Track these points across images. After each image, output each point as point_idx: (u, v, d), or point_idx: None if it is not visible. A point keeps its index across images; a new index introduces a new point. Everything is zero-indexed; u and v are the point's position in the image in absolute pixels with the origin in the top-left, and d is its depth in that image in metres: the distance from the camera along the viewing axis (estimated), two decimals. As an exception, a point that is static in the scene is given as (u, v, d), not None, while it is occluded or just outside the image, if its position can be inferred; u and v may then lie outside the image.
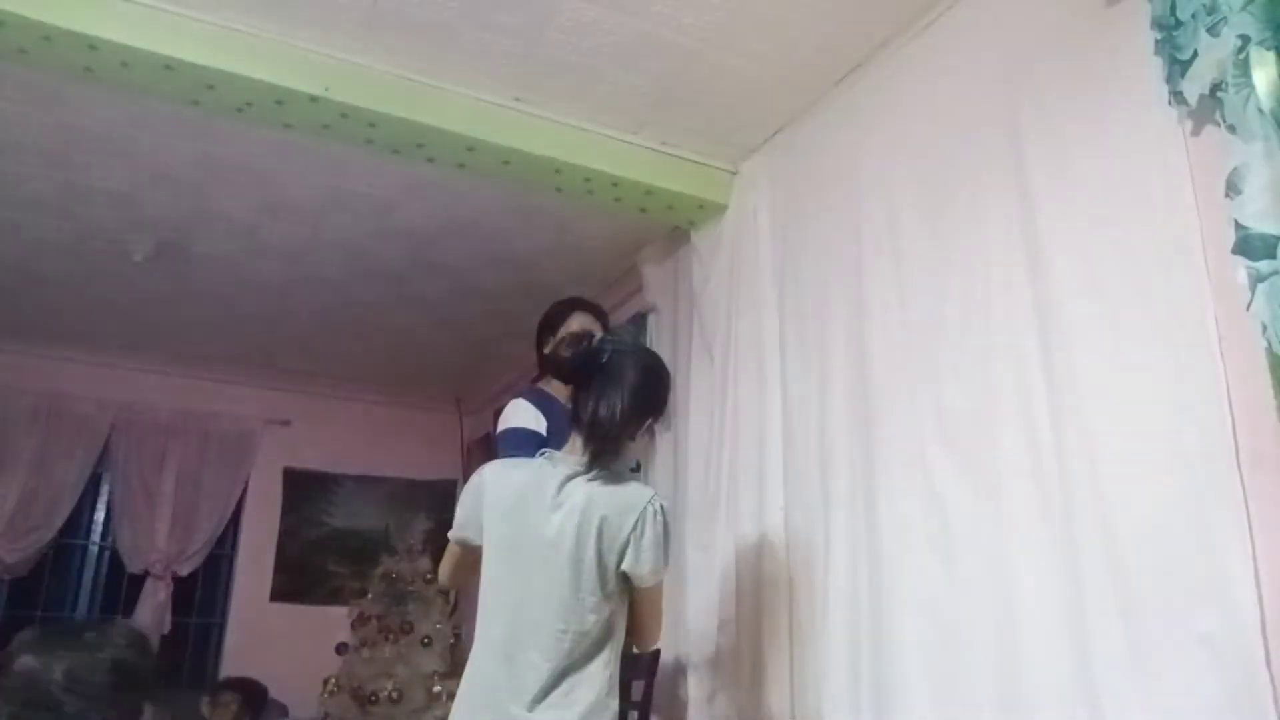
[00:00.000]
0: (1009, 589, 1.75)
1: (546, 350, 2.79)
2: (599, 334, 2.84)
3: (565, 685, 1.66)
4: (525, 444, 2.51)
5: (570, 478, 1.75)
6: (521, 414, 2.56)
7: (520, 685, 1.65)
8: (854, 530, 2.17)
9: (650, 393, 1.86)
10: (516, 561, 1.74)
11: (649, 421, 1.89)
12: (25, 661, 1.36)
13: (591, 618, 1.69)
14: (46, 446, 4.57)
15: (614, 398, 1.79)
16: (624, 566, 1.71)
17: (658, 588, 1.80)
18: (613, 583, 1.72)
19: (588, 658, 1.69)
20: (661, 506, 1.76)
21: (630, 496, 1.75)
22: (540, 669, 1.65)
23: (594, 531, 1.70)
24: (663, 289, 3.40)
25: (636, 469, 3.32)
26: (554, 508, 1.73)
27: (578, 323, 2.84)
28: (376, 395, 5.34)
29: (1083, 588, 1.60)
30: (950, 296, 2.03)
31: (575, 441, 1.81)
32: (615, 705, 1.71)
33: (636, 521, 1.71)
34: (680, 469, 2.98)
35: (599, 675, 1.69)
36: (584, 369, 1.85)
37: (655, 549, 1.73)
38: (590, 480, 1.74)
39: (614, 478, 1.77)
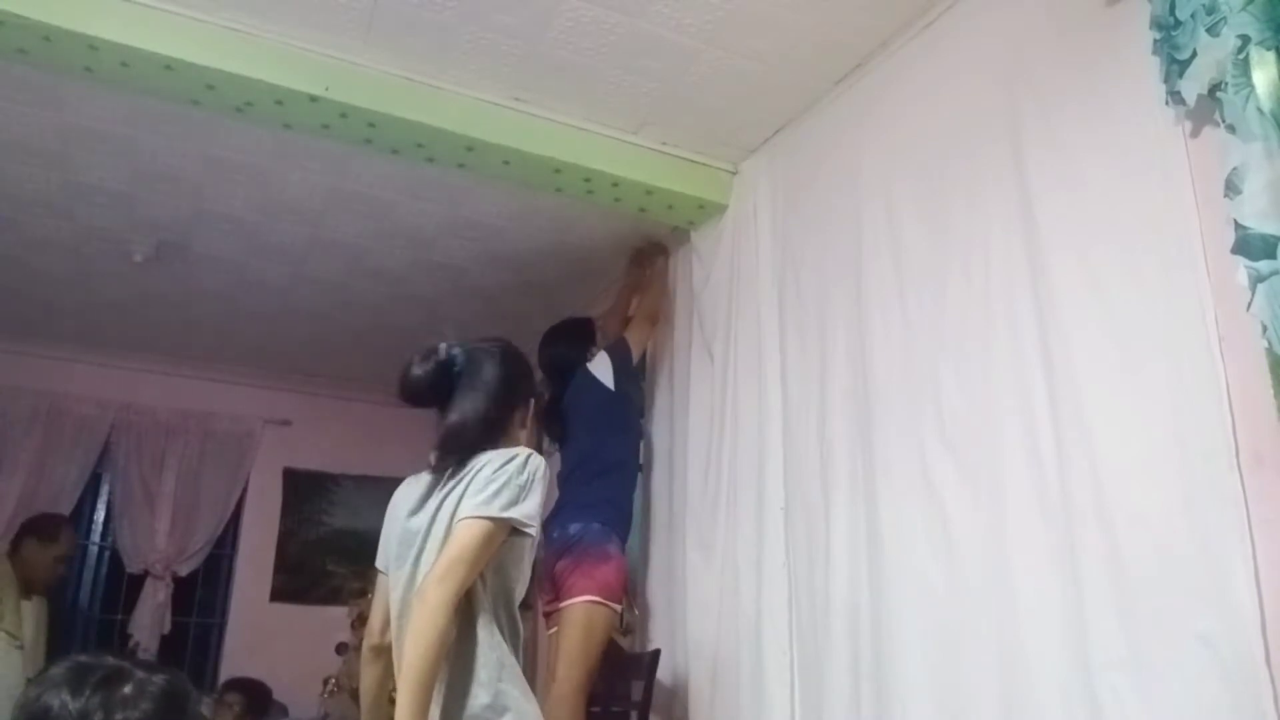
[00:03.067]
0: (1009, 589, 1.75)
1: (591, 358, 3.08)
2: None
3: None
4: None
5: (444, 479, 1.73)
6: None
7: None
8: (854, 530, 2.17)
9: (517, 379, 1.84)
10: (401, 581, 1.75)
11: (525, 407, 1.85)
12: (46, 699, 1.31)
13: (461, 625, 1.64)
14: (46, 446, 4.56)
15: (477, 399, 1.76)
16: (459, 509, 1.63)
17: (468, 527, 1.60)
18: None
19: (460, 659, 1.61)
20: (512, 457, 1.67)
21: (487, 456, 1.70)
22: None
23: (448, 520, 1.67)
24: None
25: (638, 469, 3.32)
26: (428, 514, 1.73)
27: (598, 329, 3.24)
28: (376, 395, 5.31)
29: (1083, 587, 1.61)
30: (950, 295, 2.03)
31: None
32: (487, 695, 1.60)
33: (483, 466, 1.66)
34: (680, 469, 2.98)
35: (470, 671, 1.61)
36: (441, 382, 1.80)
37: (492, 490, 1.62)
38: (457, 472, 1.71)
39: (483, 455, 1.72)
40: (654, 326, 3.24)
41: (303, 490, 5.18)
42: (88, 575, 4.80)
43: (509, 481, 1.64)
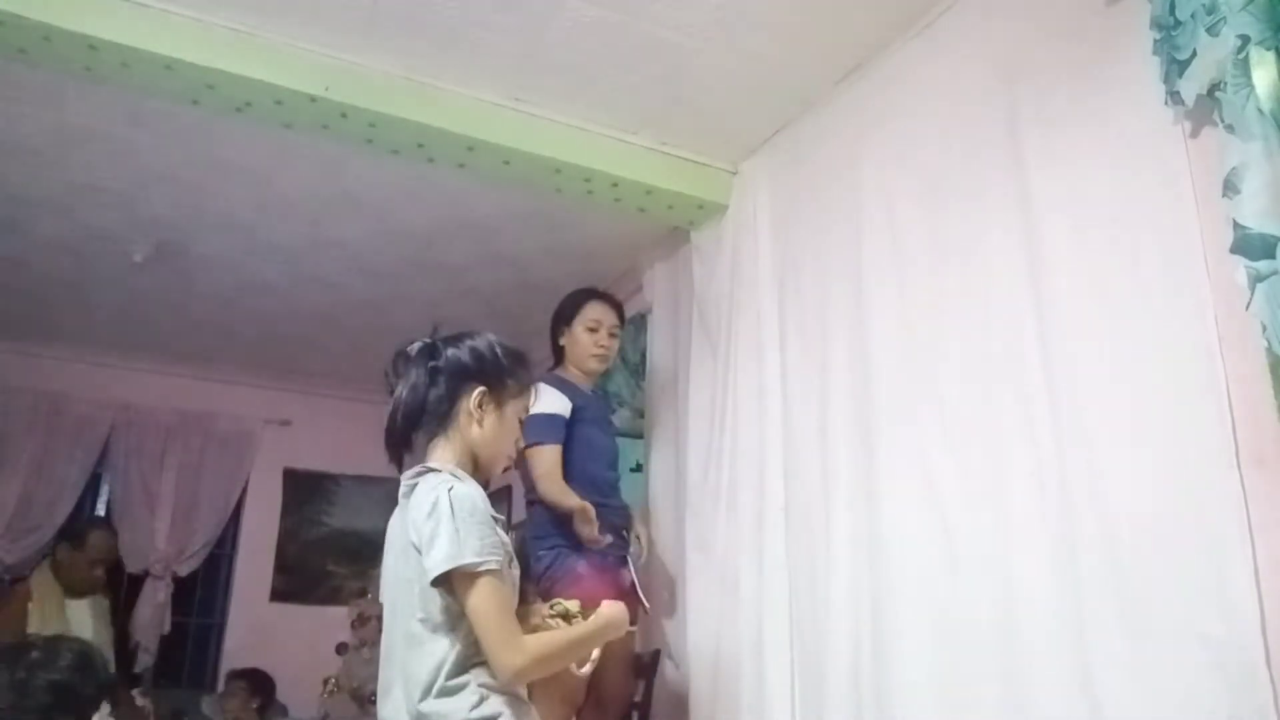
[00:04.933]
0: (1009, 589, 1.75)
1: (562, 341, 2.83)
2: (613, 323, 2.88)
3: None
4: (549, 428, 2.57)
5: (402, 501, 1.72)
6: (543, 399, 2.58)
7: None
8: (854, 530, 2.17)
9: (454, 367, 1.78)
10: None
11: (491, 393, 1.78)
12: None
13: (434, 647, 1.59)
14: (46, 446, 4.56)
15: (394, 403, 1.78)
16: (424, 561, 1.59)
17: (466, 594, 1.57)
18: (429, 592, 1.60)
19: (432, 673, 1.58)
20: (448, 491, 1.60)
21: (422, 490, 1.66)
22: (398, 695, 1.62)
23: (402, 550, 1.66)
24: (663, 289, 3.40)
25: (637, 469, 3.32)
26: (389, 538, 1.75)
27: (594, 312, 2.88)
28: (376, 395, 5.29)
29: (1082, 588, 1.61)
30: (950, 295, 2.04)
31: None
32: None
33: (429, 512, 1.60)
34: (680, 468, 2.98)
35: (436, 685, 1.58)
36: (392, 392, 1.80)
37: (435, 536, 1.57)
38: (407, 496, 1.69)
39: (424, 480, 1.69)
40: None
41: (303, 490, 5.19)
42: (87, 575, 4.80)
43: (437, 528, 1.59)
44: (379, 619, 4.70)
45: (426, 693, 1.57)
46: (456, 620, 1.59)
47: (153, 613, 4.57)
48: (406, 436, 1.75)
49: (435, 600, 1.59)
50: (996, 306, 1.91)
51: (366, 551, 5.00)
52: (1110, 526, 1.58)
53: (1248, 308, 1.37)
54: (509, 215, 3.32)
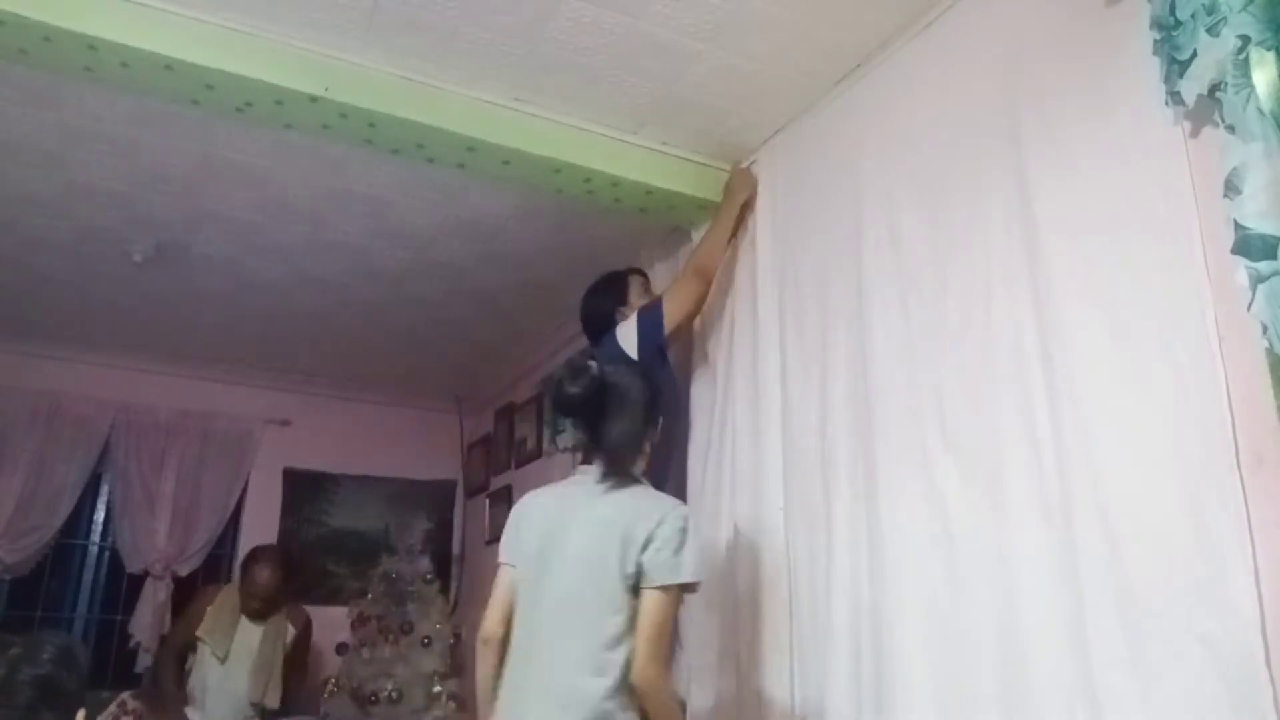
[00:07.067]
0: (1010, 588, 1.76)
1: (625, 319, 2.88)
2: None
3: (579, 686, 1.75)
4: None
5: (597, 493, 1.89)
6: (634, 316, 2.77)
7: (543, 687, 1.79)
8: (854, 530, 2.17)
9: (653, 401, 1.99)
10: (543, 579, 1.87)
11: (655, 428, 2.03)
12: None
13: (613, 620, 1.78)
14: (46, 446, 4.56)
15: (626, 419, 1.93)
16: (641, 558, 1.79)
17: (661, 600, 1.80)
18: (628, 590, 1.80)
19: (606, 661, 1.76)
20: (686, 515, 1.86)
21: (655, 503, 1.88)
22: (560, 674, 1.78)
23: (617, 540, 1.80)
24: (663, 289, 3.39)
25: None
26: (581, 521, 1.87)
27: (637, 280, 3.01)
28: (376, 395, 5.34)
29: (1083, 587, 1.61)
30: (950, 295, 2.04)
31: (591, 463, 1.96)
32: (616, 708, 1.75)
33: (658, 523, 1.82)
34: (680, 468, 2.98)
35: (614, 676, 1.76)
36: (592, 396, 1.93)
37: (672, 550, 1.80)
38: (613, 492, 1.89)
39: (639, 489, 1.91)
40: (705, 285, 2.81)
41: (303, 490, 5.18)
42: (88, 575, 4.80)
43: (679, 544, 1.81)
44: (379, 619, 4.69)
45: (600, 678, 1.74)
46: (632, 621, 1.78)
47: (153, 613, 4.56)
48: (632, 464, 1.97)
49: (629, 599, 1.78)
50: (996, 306, 1.91)
51: (366, 551, 5.01)
52: (1110, 526, 1.58)
53: (1249, 308, 1.37)
54: (509, 215, 3.32)
